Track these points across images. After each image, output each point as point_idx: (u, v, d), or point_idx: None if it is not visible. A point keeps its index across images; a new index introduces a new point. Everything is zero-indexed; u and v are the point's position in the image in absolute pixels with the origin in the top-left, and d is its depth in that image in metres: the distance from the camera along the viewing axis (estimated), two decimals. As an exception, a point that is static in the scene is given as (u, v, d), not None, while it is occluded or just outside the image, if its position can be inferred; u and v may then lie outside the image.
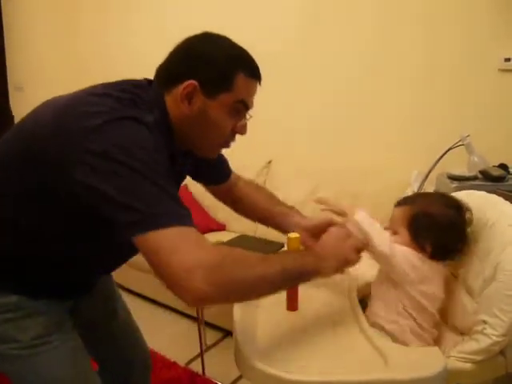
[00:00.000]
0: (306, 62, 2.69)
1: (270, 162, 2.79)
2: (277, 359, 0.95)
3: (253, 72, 1.02)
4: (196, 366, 2.22)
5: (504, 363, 1.04)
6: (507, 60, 2.09)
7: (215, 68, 0.97)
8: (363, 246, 1.09)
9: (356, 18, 2.48)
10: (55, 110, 0.92)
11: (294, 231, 1.17)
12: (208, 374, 2.17)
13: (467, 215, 1.14)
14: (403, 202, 1.20)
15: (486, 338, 1.00)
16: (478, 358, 1.01)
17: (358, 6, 2.46)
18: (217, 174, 1.32)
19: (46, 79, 3.79)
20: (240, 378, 2.11)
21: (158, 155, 0.87)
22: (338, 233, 1.09)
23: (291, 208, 1.35)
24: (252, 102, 1.05)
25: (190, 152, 1.08)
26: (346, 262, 1.06)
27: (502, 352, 1.03)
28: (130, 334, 1.32)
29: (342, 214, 1.22)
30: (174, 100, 0.98)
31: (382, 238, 1.10)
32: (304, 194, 2.60)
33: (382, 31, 2.42)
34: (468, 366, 1.01)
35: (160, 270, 0.81)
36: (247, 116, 1.06)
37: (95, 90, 0.96)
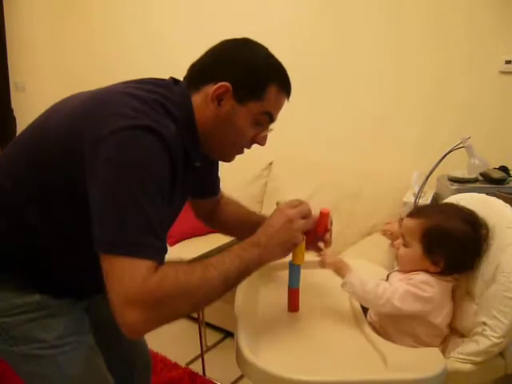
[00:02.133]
0: (308, 64, 2.69)
1: (271, 164, 2.79)
2: (278, 359, 0.95)
3: (285, 86, 1.02)
4: (196, 367, 2.22)
5: (503, 365, 1.04)
6: (508, 62, 2.10)
7: (251, 75, 0.98)
8: (309, 226, 1.04)
9: (359, 29, 2.49)
10: (80, 107, 0.94)
11: None
12: (208, 374, 2.18)
13: (483, 231, 1.10)
14: (417, 214, 1.15)
15: (486, 340, 1.00)
16: (478, 359, 1.01)
17: (365, 18, 2.47)
18: (208, 187, 1.28)
19: (47, 79, 3.80)
20: (240, 378, 2.11)
21: (162, 174, 0.87)
22: (282, 216, 1.00)
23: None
24: (277, 116, 1.05)
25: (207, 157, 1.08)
26: (291, 246, 1.01)
27: (501, 353, 1.03)
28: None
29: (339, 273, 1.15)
30: (203, 99, 0.98)
31: (382, 300, 1.05)
32: (305, 195, 2.60)
33: (384, 34, 2.42)
34: (467, 367, 1.01)
35: (107, 288, 0.84)
36: (269, 128, 1.06)
37: (124, 88, 0.96)
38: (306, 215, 1.03)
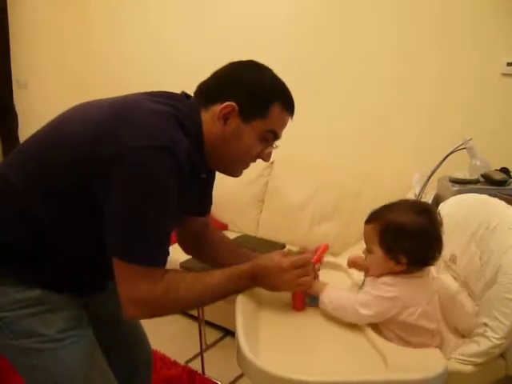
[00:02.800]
0: (310, 65, 2.70)
1: (272, 163, 2.79)
2: (278, 359, 0.95)
3: (288, 105, 1.08)
4: (196, 365, 2.22)
5: (504, 366, 1.04)
6: (510, 64, 2.10)
7: (255, 95, 1.04)
8: (304, 274, 1.10)
9: (365, 28, 2.49)
10: (103, 116, 0.99)
11: None
12: (208, 373, 2.18)
13: (438, 218, 1.09)
14: (370, 218, 1.14)
15: (487, 341, 1.00)
16: (479, 360, 1.01)
17: (367, 19, 2.47)
18: (201, 204, 1.28)
19: (49, 77, 3.80)
20: (240, 377, 2.11)
21: (173, 190, 0.95)
22: (278, 264, 1.08)
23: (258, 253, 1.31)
24: (281, 134, 1.10)
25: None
26: (281, 290, 1.11)
27: (502, 355, 1.03)
28: (136, 332, 1.33)
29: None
30: (211, 117, 1.03)
31: (349, 313, 1.06)
32: (306, 195, 2.61)
33: (387, 35, 2.42)
34: (468, 368, 1.01)
35: (117, 287, 0.97)
36: (274, 145, 1.11)
37: (142, 103, 1.01)
38: (303, 265, 1.09)
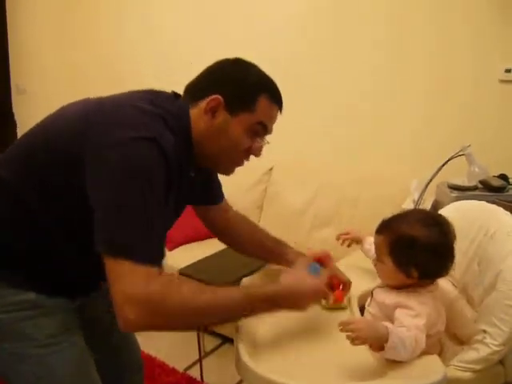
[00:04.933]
0: (308, 70, 2.70)
1: (271, 169, 2.79)
2: (277, 365, 0.95)
3: (275, 98, 1.07)
4: (195, 372, 2.21)
5: (503, 372, 1.05)
6: (508, 71, 2.10)
7: (241, 87, 1.03)
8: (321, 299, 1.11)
9: (361, 33, 2.50)
10: (87, 112, 0.98)
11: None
12: (206, 379, 2.17)
13: (451, 231, 1.07)
14: (381, 229, 1.13)
15: (486, 348, 1.01)
16: (478, 367, 1.01)
17: (366, 26, 2.48)
18: (209, 194, 1.31)
19: (48, 82, 3.80)
20: (238, 384, 2.11)
21: (162, 184, 0.92)
22: (310, 286, 1.05)
23: (285, 245, 1.34)
24: (271, 128, 1.09)
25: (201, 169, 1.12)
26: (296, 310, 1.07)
27: (501, 361, 1.04)
28: (126, 336, 1.32)
29: (358, 241, 1.30)
30: (198, 113, 1.03)
31: (416, 353, 0.97)
32: (305, 201, 2.61)
33: (385, 39, 2.43)
34: (467, 374, 1.01)
35: (110, 287, 0.88)
36: (265, 140, 1.10)
37: (129, 100, 1.01)
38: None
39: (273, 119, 1.09)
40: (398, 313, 1.04)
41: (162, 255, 0.94)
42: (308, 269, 1.14)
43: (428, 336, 1.00)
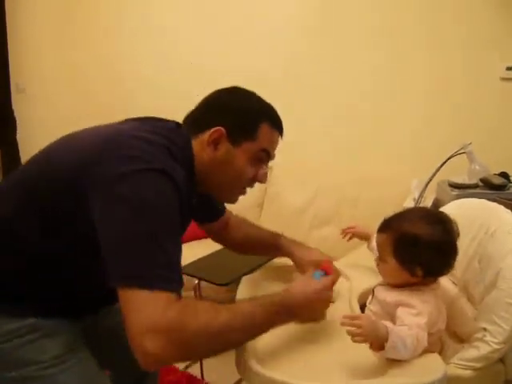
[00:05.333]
0: (308, 70, 2.70)
1: (270, 169, 2.78)
2: (278, 364, 0.95)
3: (276, 124, 1.09)
4: (195, 371, 2.21)
5: (503, 371, 1.04)
6: (509, 69, 2.10)
7: (242, 117, 1.05)
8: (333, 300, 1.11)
9: (359, 33, 2.49)
10: (92, 144, 0.96)
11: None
12: (207, 378, 2.16)
13: (455, 229, 1.07)
14: (384, 228, 1.12)
15: (486, 346, 1.00)
16: (478, 365, 1.01)
17: (361, 24, 2.48)
18: (211, 212, 1.32)
19: (48, 81, 3.79)
20: (239, 382, 2.10)
21: (174, 212, 0.90)
22: (318, 287, 1.05)
23: (290, 240, 1.35)
24: (274, 154, 1.11)
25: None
26: (311, 320, 1.08)
27: (501, 359, 1.03)
28: None
29: (365, 237, 1.30)
30: (201, 145, 1.04)
31: (418, 351, 0.96)
32: (305, 200, 2.61)
33: (385, 41, 2.43)
34: (467, 373, 1.01)
35: (125, 322, 0.83)
36: (268, 165, 1.12)
37: (132, 130, 0.99)
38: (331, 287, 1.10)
39: (274, 145, 1.11)
40: (400, 311, 1.03)
41: (180, 282, 0.89)
42: (313, 276, 1.14)
43: (429, 334, 1.00)
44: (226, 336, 0.89)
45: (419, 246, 1.04)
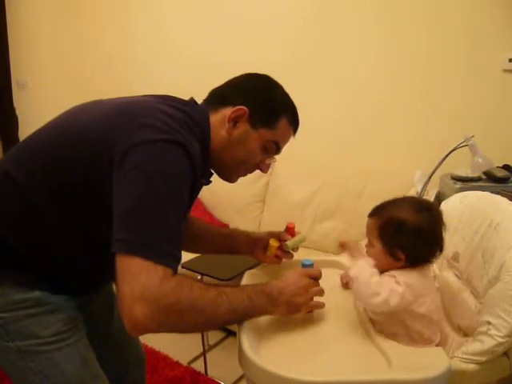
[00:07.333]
0: (310, 64, 2.69)
1: (274, 163, 2.78)
2: (281, 359, 0.95)
3: (294, 122, 1.14)
4: (198, 366, 2.22)
5: (508, 364, 1.04)
6: (511, 60, 2.09)
7: (268, 104, 1.09)
8: (322, 294, 1.11)
9: (360, 26, 2.48)
10: (114, 113, 0.99)
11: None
12: (210, 373, 2.17)
13: (439, 217, 1.08)
14: (373, 212, 1.14)
15: (490, 339, 1.00)
16: (482, 359, 1.00)
17: (362, 16, 2.47)
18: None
19: (49, 76, 3.79)
20: (242, 377, 2.11)
21: (186, 187, 0.93)
22: (300, 282, 1.07)
23: (235, 234, 1.37)
24: (282, 148, 1.15)
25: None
26: (295, 311, 1.07)
27: (506, 353, 1.03)
28: (125, 331, 1.32)
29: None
30: (220, 119, 1.06)
31: (379, 301, 1.01)
32: (307, 194, 2.61)
33: (385, 32, 2.41)
34: (471, 366, 1.00)
35: (118, 286, 0.87)
36: (274, 158, 1.15)
37: (154, 103, 1.02)
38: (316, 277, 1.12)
39: (286, 140, 1.15)
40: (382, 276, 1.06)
41: (179, 259, 0.92)
42: (301, 266, 1.17)
43: (422, 316, 1.03)
44: (212, 311, 0.93)
45: (402, 230, 1.05)
